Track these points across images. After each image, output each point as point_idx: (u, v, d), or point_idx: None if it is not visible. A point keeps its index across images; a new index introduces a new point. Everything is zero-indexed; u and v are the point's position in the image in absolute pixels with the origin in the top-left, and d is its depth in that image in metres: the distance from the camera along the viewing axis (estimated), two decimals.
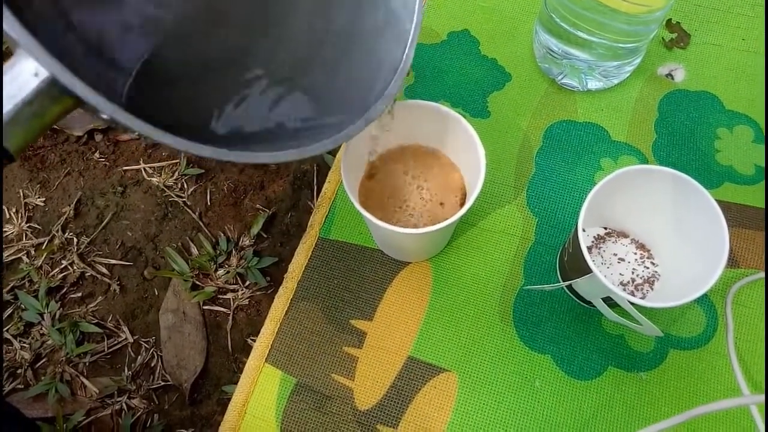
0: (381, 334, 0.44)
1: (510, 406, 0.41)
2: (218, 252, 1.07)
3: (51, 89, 0.21)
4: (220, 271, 1.05)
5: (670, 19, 0.58)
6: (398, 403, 0.42)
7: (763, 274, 0.44)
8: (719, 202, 0.46)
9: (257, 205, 1.12)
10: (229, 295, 1.04)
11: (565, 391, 0.42)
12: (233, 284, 1.04)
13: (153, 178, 1.17)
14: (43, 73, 0.21)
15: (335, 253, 0.47)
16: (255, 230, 1.07)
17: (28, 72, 0.21)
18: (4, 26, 0.19)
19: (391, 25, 0.33)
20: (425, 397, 0.42)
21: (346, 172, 0.38)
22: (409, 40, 0.32)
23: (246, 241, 1.08)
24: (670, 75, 0.55)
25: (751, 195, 0.48)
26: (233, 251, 1.07)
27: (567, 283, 0.39)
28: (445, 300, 0.45)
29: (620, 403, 0.42)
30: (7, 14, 0.19)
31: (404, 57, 0.32)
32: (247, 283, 1.05)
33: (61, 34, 0.27)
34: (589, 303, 0.42)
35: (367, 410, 0.42)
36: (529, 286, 0.41)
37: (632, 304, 0.36)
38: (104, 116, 0.21)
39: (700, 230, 0.38)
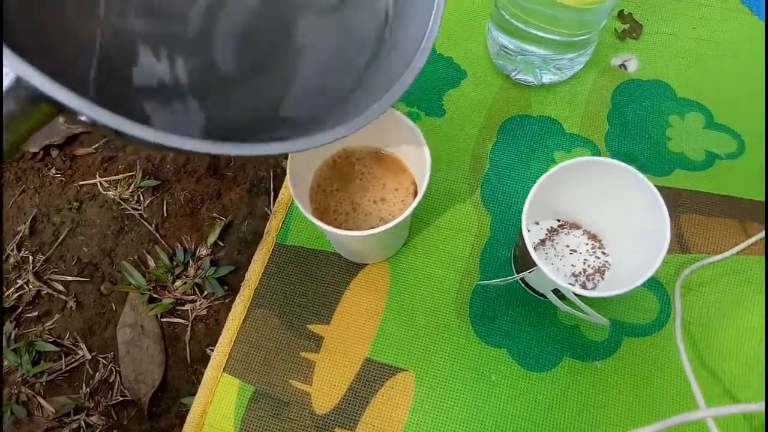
0: (338, 337, 0.44)
1: (466, 402, 0.42)
2: (175, 263, 1.07)
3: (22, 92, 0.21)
4: (178, 283, 1.05)
5: (622, 10, 0.58)
6: (356, 405, 0.42)
7: (712, 258, 0.44)
8: (670, 189, 0.47)
9: (214, 214, 1.12)
10: (188, 306, 1.04)
11: (521, 383, 0.42)
12: (191, 295, 1.04)
13: (109, 192, 1.17)
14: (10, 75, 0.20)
15: (292, 258, 0.47)
16: (212, 239, 1.07)
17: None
18: None
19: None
20: (383, 398, 0.42)
21: (294, 181, 0.38)
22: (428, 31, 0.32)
23: (203, 251, 1.08)
24: (623, 66, 0.56)
25: (701, 181, 0.49)
26: (190, 262, 1.07)
27: (515, 277, 0.40)
28: (402, 300, 0.45)
29: (575, 392, 0.42)
30: None
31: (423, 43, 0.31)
32: (205, 293, 1.05)
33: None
34: (543, 295, 0.43)
35: (325, 414, 0.42)
36: (481, 282, 0.41)
37: (577, 295, 0.36)
38: (82, 118, 0.21)
39: (644, 219, 0.38)
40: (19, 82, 0.20)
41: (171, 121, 0.32)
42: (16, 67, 0.19)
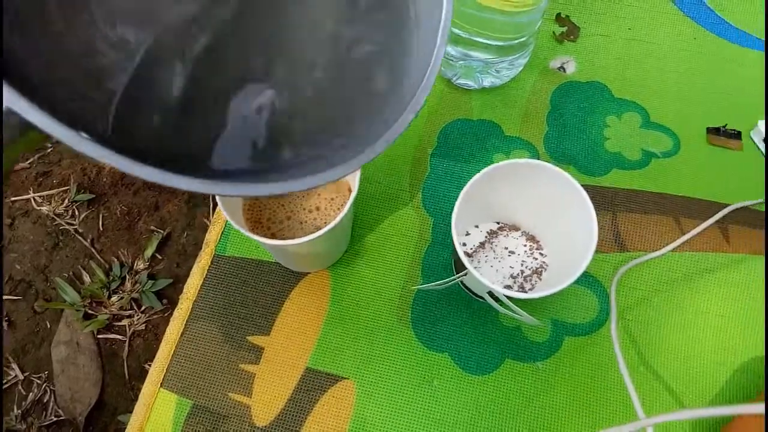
0: (278, 348, 0.44)
1: (408, 408, 0.41)
2: (111, 278, 1.05)
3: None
4: (114, 298, 1.03)
5: (560, 13, 0.59)
6: (296, 416, 0.41)
7: (648, 256, 0.45)
8: (608, 188, 0.48)
9: (152, 227, 1.10)
10: (125, 322, 1.02)
11: (463, 387, 0.42)
12: (128, 310, 1.02)
13: (43, 207, 1.14)
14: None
15: (232, 269, 0.47)
16: (149, 252, 1.05)
17: None
18: None
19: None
20: (323, 408, 0.42)
21: (224, 197, 0.37)
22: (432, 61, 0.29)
23: (140, 265, 1.06)
24: (562, 68, 0.56)
25: (637, 179, 0.49)
26: (127, 276, 1.05)
27: (448, 280, 0.40)
28: (344, 308, 0.45)
29: (517, 394, 0.42)
30: None
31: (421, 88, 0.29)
32: (143, 307, 1.03)
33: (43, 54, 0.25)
34: (483, 298, 0.43)
35: (265, 426, 0.41)
36: (417, 286, 0.41)
37: (509, 297, 0.36)
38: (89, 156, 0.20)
39: (575, 219, 0.38)
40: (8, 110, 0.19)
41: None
42: (12, 102, 0.18)
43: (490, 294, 0.39)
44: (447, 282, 0.39)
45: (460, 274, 0.37)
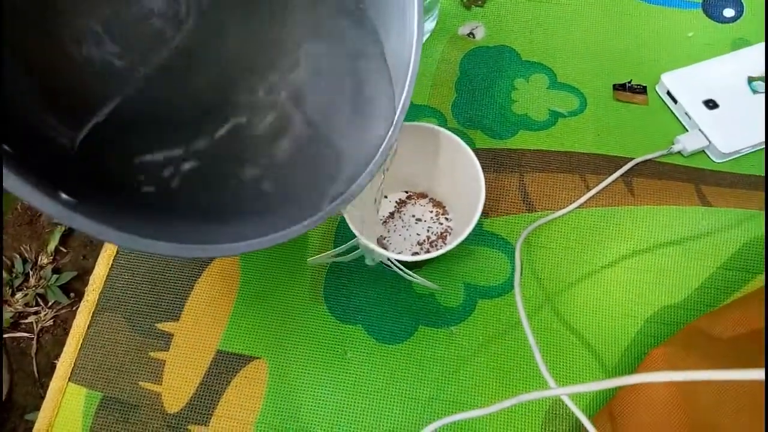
0: (188, 332, 0.43)
1: (321, 382, 0.41)
2: (14, 275, 1.02)
3: None
4: (18, 295, 1.00)
5: None
6: (208, 399, 0.41)
7: (555, 214, 0.45)
8: (515, 150, 0.48)
9: (54, 220, 1.07)
10: (31, 319, 0.99)
11: (377, 357, 0.42)
12: (34, 306, 1.00)
13: None
14: None
15: (139, 257, 0.46)
16: (52, 246, 1.03)
17: None
18: None
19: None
20: (236, 389, 0.41)
21: None
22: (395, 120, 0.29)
23: (44, 259, 1.04)
24: (471, 34, 0.56)
25: (544, 139, 0.50)
26: (31, 272, 1.03)
27: (339, 249, 0.39)
28: (255, 288, 0.44)
29: (431, 360, 0.42)
30: None
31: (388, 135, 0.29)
32: (50, 302, 1.01)
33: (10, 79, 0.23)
34: (389, 267, 0.42)
35: (177, 412, 0.41)
36: (310, 259, 0.41)
37: (401, 261, 0.36)
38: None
39: (467, 180, 0.38)
40: None
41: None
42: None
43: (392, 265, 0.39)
44: (339, 252, 0.39)
45: (351, 242, 0.37)
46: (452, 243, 0.35)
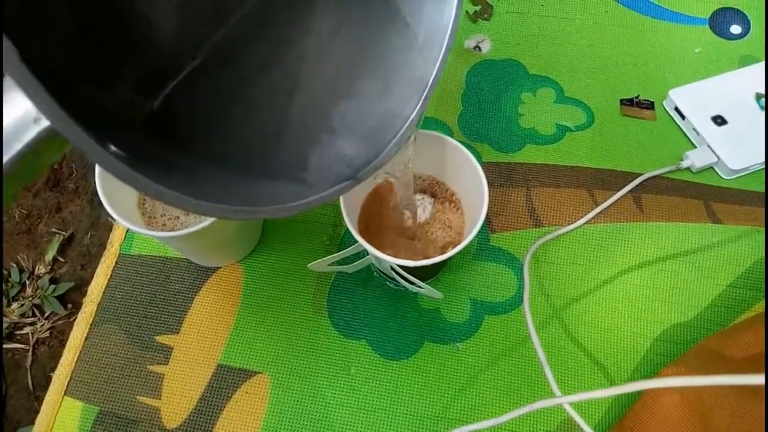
0: (188, 346, 0.42)
1: (324, 399, 0.40)
2: (11, 285, 1.00)
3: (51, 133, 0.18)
4: (14, 305, 0.98)
5: None
6: (208, 415, 0.40)
7: (563, 230, 0.45)
8: (522, 164, 0.47)
9: (53, 229, 1.06)
10: (27, 330, 0.97)
11: (381, 373, 0.41)
12: (30, 317, 0.98)
13: None
14: (45, 122, 0.17)
15: (138, 268, 0.45)
16: (50, 256, 1.01)
17: (25, 116, 0.17)
18: None
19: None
20: (237, 404, 0.40)
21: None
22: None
23: (42, 269, 1.02)
24: (477, 47, 0.56)
25: (551, 154, 0.49)
26: (27, 282, 1.01)
27: (341, 254, 0.38)
28: (257, 301, 0.44)
29: (437, 377, 0.41)
30: None
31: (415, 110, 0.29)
32: (47, 313, 0.99)
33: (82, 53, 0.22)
34: (395, 281, 0.42)
35: (176, 428, 0.40)
36: (309, 264, 0.39)
37: (403, 267, 0.35)
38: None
39: (474, 191, 0.38)
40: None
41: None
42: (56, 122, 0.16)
43: (397, 273, 0.38)
44: (341, 256, 0.38)
45: (351, 247, 0.36)
46: (454, 250, 0.34)
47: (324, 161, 0.28)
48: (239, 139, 0.28)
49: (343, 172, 0.27)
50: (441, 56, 0.29)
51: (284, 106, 0.29)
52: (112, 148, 0.18)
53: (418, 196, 0.43)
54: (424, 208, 0.43)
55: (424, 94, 0.29)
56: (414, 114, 0.29)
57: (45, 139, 0.18)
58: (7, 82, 0.17)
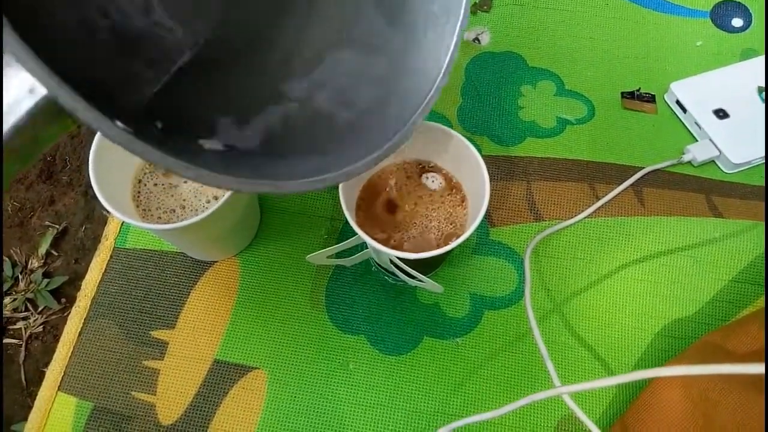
0: (184, 341, 0.41)
1: (323, 394, 0.40)
2: (3, 279, 0.99)
3: (50, 107, 0.17)
4: (7, 299, 0.96)
5: None
6: (205, 410, 0.39)
7: (564, 224, 0.44)
8: (522, 157, 0.47)
9: (46, 222, 1.04)
10: (20, 324, 0.96)
11: (380, 369, 0.41)
12: (23, 312, 0.97)
13: None
14: (41, 91, 0.17)
15: (133, 262, 0.44)
16: (43, 249, 0.99)
17: (20, 87, 0.17)
18: None
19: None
20: (233, 400, 0.40)
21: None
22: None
23: (35, 263, 1.00)
24: (477, 39, 0.55)
25: (552, 147, 0.49)
26: (20, 276, 1.00)
27: (339, 246, 0.38)
28: (254, 295, 0.43)
29: (436, 372, 0.41)
30: None
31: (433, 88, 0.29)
32: (40, 308, 0.97)
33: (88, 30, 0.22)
34: (394, 275, 0.41)
35: (172, 424, 0.39)
36: (308, 256, 0.39)
37: (401, 259, 0.35)
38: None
39: (475, 184, 0.37)
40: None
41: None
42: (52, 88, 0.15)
43: (395, 266, 0.38)
44: (339, 249, 0.38)
45: (350, 239, 0.36)
46: (455, 242, 0.34)
47: (349, 135, 0.29)
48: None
49: (375, 142, 0.28)
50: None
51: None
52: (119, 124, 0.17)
53: (429, 174, 0.42)
54: (434, 180, 0.42)
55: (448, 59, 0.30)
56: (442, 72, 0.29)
57: (43, 111, 0.17)
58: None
